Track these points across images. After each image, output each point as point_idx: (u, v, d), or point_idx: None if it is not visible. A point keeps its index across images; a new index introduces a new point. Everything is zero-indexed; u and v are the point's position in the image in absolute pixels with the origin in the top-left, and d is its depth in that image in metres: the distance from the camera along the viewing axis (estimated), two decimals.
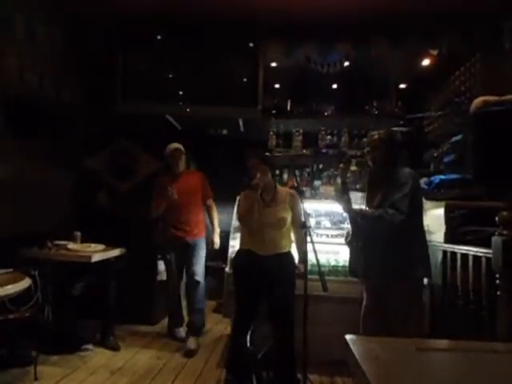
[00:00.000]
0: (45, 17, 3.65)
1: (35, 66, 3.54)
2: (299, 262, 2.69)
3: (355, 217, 2.47)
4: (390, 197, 2.34)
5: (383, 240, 2.37)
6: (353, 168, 2.50)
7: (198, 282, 3.58)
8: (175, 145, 3.66)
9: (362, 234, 2.48)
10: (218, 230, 3.71)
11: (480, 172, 2.14)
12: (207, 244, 3.74)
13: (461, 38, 3.67)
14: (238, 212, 2.77)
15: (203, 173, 3.84)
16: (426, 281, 2.57)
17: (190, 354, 3.25)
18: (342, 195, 2.47)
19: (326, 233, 3.45)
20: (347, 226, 2.83)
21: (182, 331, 3.64)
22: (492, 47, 3.51)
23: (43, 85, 3.63)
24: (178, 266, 3.62)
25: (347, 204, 2.44)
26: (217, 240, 3.69)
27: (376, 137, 2.48)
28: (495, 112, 2.23)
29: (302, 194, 3.56)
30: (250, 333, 2.63)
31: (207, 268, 5.48)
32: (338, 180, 2.65)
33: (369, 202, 2.47)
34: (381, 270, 2.39)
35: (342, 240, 2.71)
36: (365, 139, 2.96)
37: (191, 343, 3.35)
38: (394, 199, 2.31)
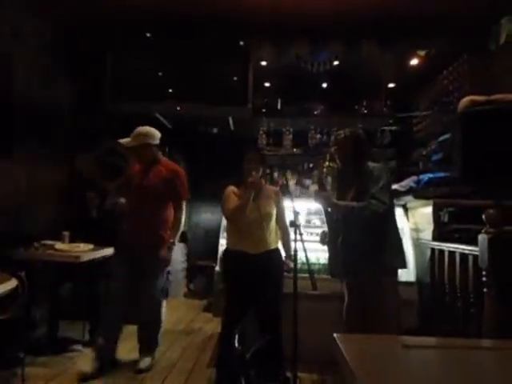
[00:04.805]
0: (34, 15, 3.60)
1: (24, 65, 3.49)
2: (286, 258, 2.71)
3: (338, 210, 2.50)
4: (366, 190, 2.39)
5: (363, 233, 2.42)
6: (331, 164, 2.58)
7: (154, 302, 2.91)
8: (142, 130, 3.00)
9: (340, 231, 2.51)
10: (174, 241, 2.94)
11: (467, 171, 2.16)
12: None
13: (448, 39, 3.71)
14: (226, 209, 2.66)
15: (183, 168, 3.16)
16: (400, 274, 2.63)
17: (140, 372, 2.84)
18: (321, 191, 2.53)
19: (316, 231, 3.46)
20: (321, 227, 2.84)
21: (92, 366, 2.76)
22: (479, 48, 3.56)
23: (32, 84, 3.58)
24: (126, 281, 2.84)
25: (329, 199, 2.46)
26: (165, 254, 2.84)
27: (342, 136, 2.58)
28: (482, 111, 2.25)
29: (291, 193, 3.58)
30: (237, 333, 2.63)
31: (197, 267, 5.51)
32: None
33: (340, 199, 2.50)
34: (361, 263, 2.43)
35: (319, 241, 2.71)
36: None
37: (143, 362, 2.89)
38: (373, 192, 2.37)
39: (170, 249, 2.89)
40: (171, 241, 2.90)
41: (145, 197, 2.89)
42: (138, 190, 2.92)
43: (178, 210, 2.99)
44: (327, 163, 2.50)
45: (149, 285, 2.89)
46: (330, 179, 2.58)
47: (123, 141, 2.94)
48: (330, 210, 2.59)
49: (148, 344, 3.00)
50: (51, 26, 3.82)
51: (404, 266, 2.56)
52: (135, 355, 3.02)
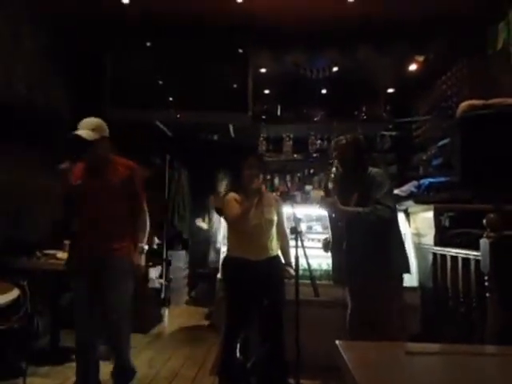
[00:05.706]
0: (34, 15, 3.62)
1: (22, 70, 3.51)
2: (286, 265, 2.70)
3: (344, 215, 2.49)
4: (369, 195, 2.40)
5: (366, 237, 2.42)
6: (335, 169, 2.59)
7: (116, 321, 2.38)
8: (98, 121, 2.49)
9: (344, 236, 2.51)
10: (142, 247, 2.55)
11: (465, 175, 2.17)
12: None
13: (447, 44, 3.73)
14: (229, 215, 2.66)
15: (139, 165, 2.67)
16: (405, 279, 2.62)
17: None
18: (327, 197, 2.54)
19: (317, 237, 3.45)
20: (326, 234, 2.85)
21: None
22: (477, 52, 3.57)
23: (31, 89, 3.60)
24: (91, 298, 2.37)
25: (335, 204, 2.46)
26: (137, 260, 2.49)
27: (343, 141, 2.59)
28: (481, 116, 2.26)
29: (292, 199, 3.58)
30: (239, 341, 2.62)
31: (199, 274, 5.50)
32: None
33: (343, 203, 2.50)
34: (365, 268, 2.42)
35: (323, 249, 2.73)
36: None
37: None
38: (378, 197, 2.37)
39: (140, 254, 2.53)
40: (140, 245, 2.53)
41: (104, 201, 2.45)
42: (95, 193, 2.45)
43: (141, 212, 2.58)
44: (334, 169, 2.51)
45: (111, 299, 2.40)
46: (332, 184, 2.58)
47: (81, 133, 2.39)
48: (335, 215, 2.59)
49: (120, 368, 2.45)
50: (51, 26, 3.83)
51: (408, 270, 2.56)
52: (137, 363, 3.00)
